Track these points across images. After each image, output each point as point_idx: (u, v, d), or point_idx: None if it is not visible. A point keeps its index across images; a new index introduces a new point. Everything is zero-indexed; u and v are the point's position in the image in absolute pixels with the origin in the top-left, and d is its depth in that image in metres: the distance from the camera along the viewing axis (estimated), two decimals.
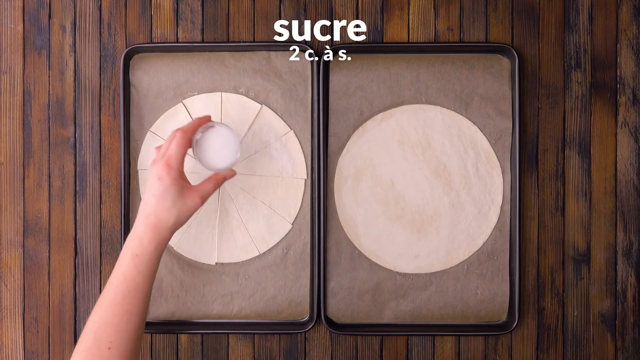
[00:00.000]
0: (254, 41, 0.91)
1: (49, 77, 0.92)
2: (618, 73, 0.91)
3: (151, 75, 0.90)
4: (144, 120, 0.90)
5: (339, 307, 0.89)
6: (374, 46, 0.90)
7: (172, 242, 0.90)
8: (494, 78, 0.89)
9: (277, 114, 0.90)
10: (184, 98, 0.90)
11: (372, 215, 0.90)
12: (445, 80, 0.89)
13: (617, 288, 0.90)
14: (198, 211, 0.89)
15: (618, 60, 0.91)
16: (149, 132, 0.90)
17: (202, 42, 0.91)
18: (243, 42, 0.91)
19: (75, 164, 0.91)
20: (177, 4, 0.91)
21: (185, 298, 0.90)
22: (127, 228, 0.90)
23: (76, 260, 0.91)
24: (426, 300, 0.90)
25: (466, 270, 0.89)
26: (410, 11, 0.91)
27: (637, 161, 0.90)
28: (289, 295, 0.90)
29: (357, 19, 0.91)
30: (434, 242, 0.90)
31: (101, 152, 0.91)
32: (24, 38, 0.92)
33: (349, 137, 0.90)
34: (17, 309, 0.91)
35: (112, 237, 0.91)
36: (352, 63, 0.90)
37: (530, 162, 0.90)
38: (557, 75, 0.91)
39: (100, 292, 0.91)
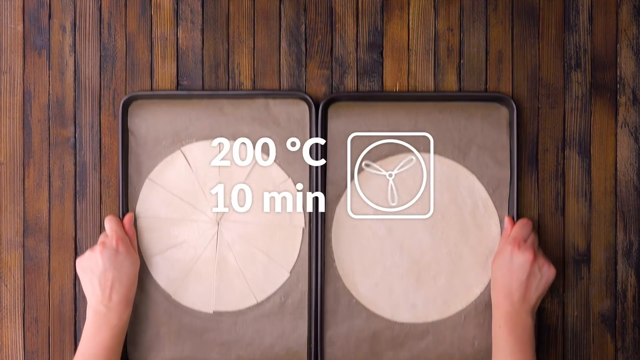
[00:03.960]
0: (253, 89, 0.90)
1: (49, 77, 0.92)
2: (618, 73, 0.91)
3: (149, 122, 0.90)
4: (142, 167, 0.90)
5: (337, 356, 0.89)
6: (372, 94, 0.90)
7: (169, 291, 0.90)
8: (492, 127, 0.89)
9: (276, 162, 0.90)
10: (183, 145, 0.90)
11: (370, 264, 0.89)
12: (444, 129, 0.89)
13: (617, 288, 0.90)
14: (195, 260, 0.90)
15: (618, 60, 0.91)
16: (147, 180, 0.90)
17: (202, 89, 0.90)
18: (242, 90, 0.90)
19: (75, 164, 0.91)
20: (177, 4, 0.91)
21: (183, 346, 0.89)
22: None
23: (76, 261, 0.91)
24: (424, 350, 0.89)
25: (463, 320, 0.89)
26: (410, 11, 0.91)
27: (637, 161, 0.90)
28: (287, 344, 0.89)
29: (357, 19, 0.91)
30: (431, 291, 0.89)
31: (101, 152, 0.91)
32: (24, 38, 0.92)
33: (346, 186, 0.90)
34: (17, 309, 0.91)
35: None
36: (350, 111, 0.89)
37: (530, 162, 0.90)
38: (557, 75, 0.91)
39: None
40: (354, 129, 0.89)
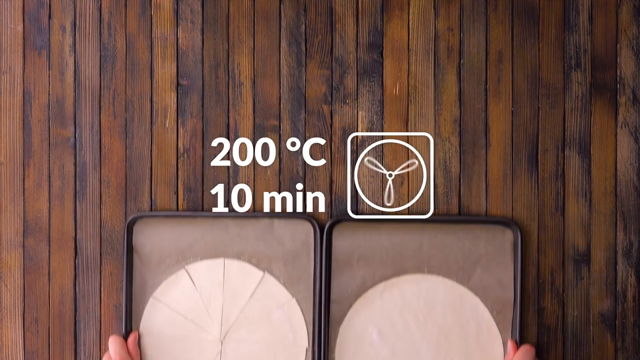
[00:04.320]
0: (254, 211, 0.90)
1: (49, 77, 0.92)
2: (618, 73, 0.91)
3: (154, 241, 0.90)
4: (146, 285, 0.90)
5: None
6: (375, 218, 0.90)
7: None
8: (496, 249, 0.89)
9: (280, 282, 0.90)
10: (187, 264, 0.90)
11: None
12: (448, 251, 0.89)
13: (617, 288, 0.90)
14: None
15: (618, 60, 0.91)
16: (151, 298, 0.90)
17: (202, 210, 0.90)
18: (246, 213, 0.90)
19: (75, 164, 0.91)
20: (177, 4, 0.91)
21: None
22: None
23: (76, 260, 0.91)
24: None
25: None
26: (410, 11, 0.91)
27: (637, 161, 0.90)
28: None
29: (357, 19, 0.91)
30: None
31: (101, 152, 0.91)
32: (24, 38, 0.92)
33: (350, 306, 0.89)
34: (17, 309, 0.91)
35: (112, 237, 0.91)
36: (354, 231, 0.89)
37: (530, 162, 0.90)
38: (557, 75, 0.91)
39: (100, 292, 0.91)
40: (358, 251, 0.89)
